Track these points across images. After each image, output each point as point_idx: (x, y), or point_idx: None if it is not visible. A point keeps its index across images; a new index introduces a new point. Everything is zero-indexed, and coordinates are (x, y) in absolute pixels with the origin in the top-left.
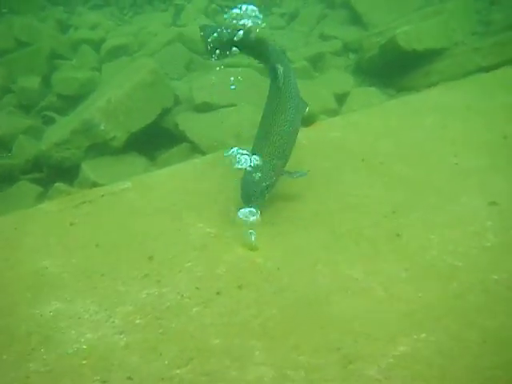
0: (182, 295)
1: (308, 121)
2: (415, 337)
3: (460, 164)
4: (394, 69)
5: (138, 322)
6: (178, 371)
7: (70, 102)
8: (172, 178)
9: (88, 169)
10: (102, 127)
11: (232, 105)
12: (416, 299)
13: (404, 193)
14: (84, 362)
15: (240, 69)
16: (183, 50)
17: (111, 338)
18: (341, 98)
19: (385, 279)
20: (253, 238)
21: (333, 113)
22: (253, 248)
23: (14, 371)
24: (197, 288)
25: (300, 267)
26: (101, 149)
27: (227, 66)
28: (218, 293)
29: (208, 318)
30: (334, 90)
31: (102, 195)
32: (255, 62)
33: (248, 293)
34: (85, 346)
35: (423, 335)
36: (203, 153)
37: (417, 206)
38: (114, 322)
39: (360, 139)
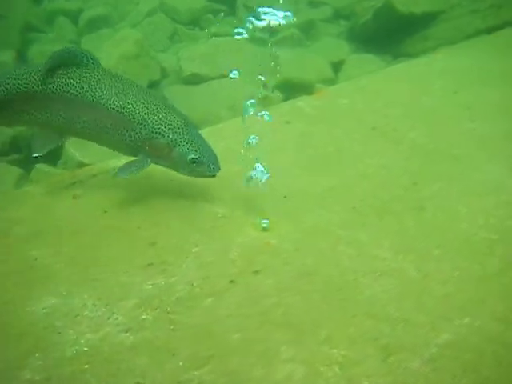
0: (192, 284)
1: (307, 90)
2: (458, 322)
3: (478, 130)
4: (389, 35)
5: (144, 317)
6: (195, 373)
7: None
8: None
9: (72, 148)
10: None
11: (222, 76)
12: (453, 279)
13: (422, 162)
14: (86, 366)
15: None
16: (166, 21)
17: (115, 338)
18: (336, 66)
19: (416, 258)
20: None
21: (330, 81)
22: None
23: (5, 380)
24: (207, 276)
25: (321, 248)
26: None
27: (214, 35)
28: (231, 281)
29: (224, 309)
30: (329, 58)
31: (95, 174)
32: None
33: (265, 279)
34: (86, 348)
35: (467, 320)
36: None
37: (438, 175)
38: (117, 318)
39: (369, 106)
